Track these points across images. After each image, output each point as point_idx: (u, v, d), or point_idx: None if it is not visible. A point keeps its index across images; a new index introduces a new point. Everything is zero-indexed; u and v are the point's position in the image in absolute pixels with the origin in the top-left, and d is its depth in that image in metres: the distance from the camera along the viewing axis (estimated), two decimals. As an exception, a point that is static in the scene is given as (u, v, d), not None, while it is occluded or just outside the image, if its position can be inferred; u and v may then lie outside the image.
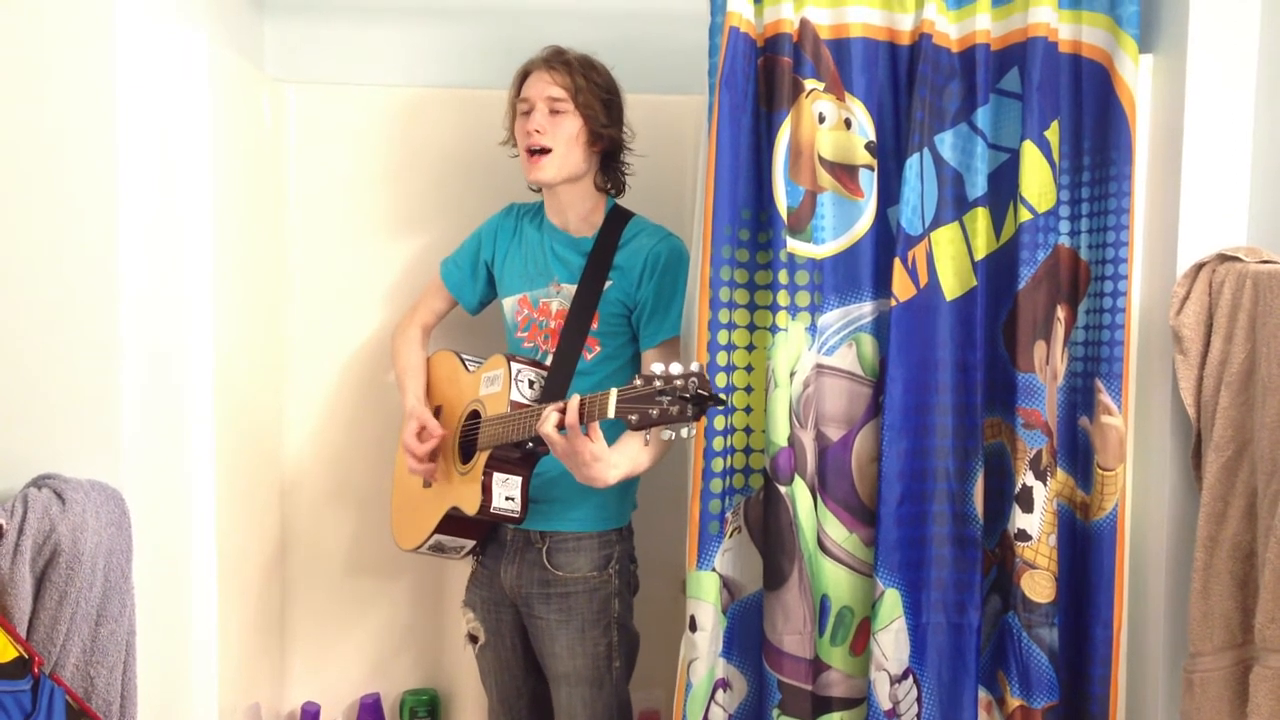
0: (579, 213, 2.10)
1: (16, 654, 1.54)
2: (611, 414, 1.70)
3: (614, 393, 1.70)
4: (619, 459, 1.84)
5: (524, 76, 2.07)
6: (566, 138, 2.02)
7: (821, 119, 1.88)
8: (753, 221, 1.89)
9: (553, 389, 1.98)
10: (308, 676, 2.52)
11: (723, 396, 1.78)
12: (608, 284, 2.04)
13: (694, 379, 1.65)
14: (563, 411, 1.76)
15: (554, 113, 2.02)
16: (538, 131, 2.01)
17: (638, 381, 1.68)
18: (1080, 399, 1.94)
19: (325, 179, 2.43)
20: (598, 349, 2.05)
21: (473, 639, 2.19)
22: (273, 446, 2.42)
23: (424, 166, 2.44)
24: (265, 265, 2.34)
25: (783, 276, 1.86)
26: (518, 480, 1.97)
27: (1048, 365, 1.90)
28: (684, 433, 1.67)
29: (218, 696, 2.04)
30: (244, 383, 2.21)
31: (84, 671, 1.62)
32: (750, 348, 1.91)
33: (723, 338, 1.87)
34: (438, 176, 2.44)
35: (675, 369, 1.66)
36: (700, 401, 1.65)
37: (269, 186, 2.36)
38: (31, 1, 1.67)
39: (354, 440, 2.49)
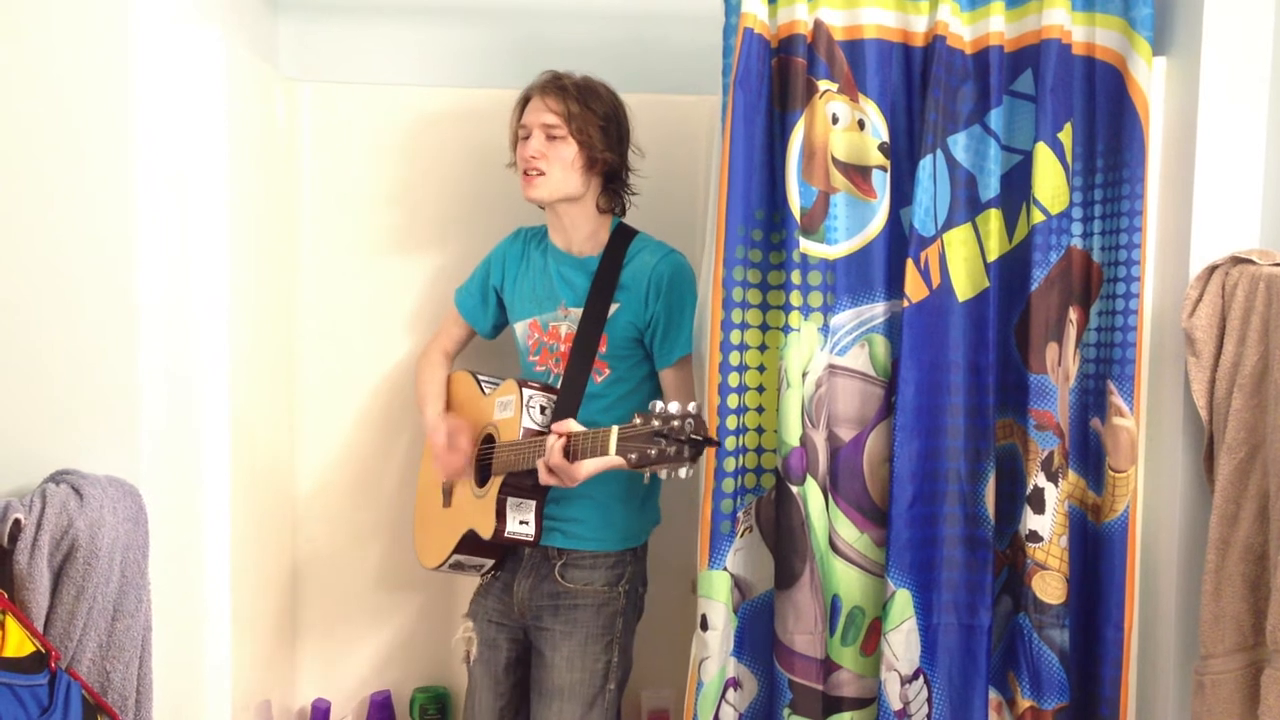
0: (583, 233, 2.11)
1: (34, 649, 1.54)
2: (613, 452, 1.72)
3: (615, 431, 1.73)
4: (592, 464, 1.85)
5: (525, 102, 2.08)
6: (562, 162, 2.03)
7: (835, 120, 1.88)
8: (766, 222, 1.89)
9: (562, 415, 1.98)
10: (319, 673, 2.53)
11: (716, 439, 1.80)
12: (615, 307, 2.05)
13: (690, 420, 1.68)
14: (563, 445, 1.81)
15: (551, 138, 2.03)
16: (534, 157, 2.03)
17: (637, 420, 1.72)
18: (1092, 400, 1.94)
19: (339, 177, 2.44)
20: (607, 371, 2.05)
21: (466, 653, 2.19)
22: (287, 444, 2.43)
23: (438, 166, 2.45)
24: (280, 263, 2.35)
25: (795, 277, 1.86)
26: (531, 504, 1.99)
27: (1060, 367, 1.90)
28: (682, 473, 1.70)
29: (231, 692, 2.05)
30: (260, 379, 2.22)
31: (100, 666, 1.63)
32: (763, 348, 1.91)
33: (735, 338, 1.88)
34: (452, 176, 2.45)
35: (674, 408, 1.70)
36: (696, 445, 1.68)
37: (283, 185, 2.37)
38: (47, 2, 1.68)
39: (368, 438, 2.50)
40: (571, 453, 1.82)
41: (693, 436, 1.68)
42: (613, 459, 1.75)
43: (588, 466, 1.80)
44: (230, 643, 2.05)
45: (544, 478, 1.84)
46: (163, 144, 1.79)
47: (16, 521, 1.55)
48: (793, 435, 1.86)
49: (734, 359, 1.88)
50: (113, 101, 1.70)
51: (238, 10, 2.19)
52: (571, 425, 1.84)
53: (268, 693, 2.32)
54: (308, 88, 2.42)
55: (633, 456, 1.70)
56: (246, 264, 2.11)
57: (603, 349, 2.04)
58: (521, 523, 1.97)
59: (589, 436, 1.79)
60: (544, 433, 1.94)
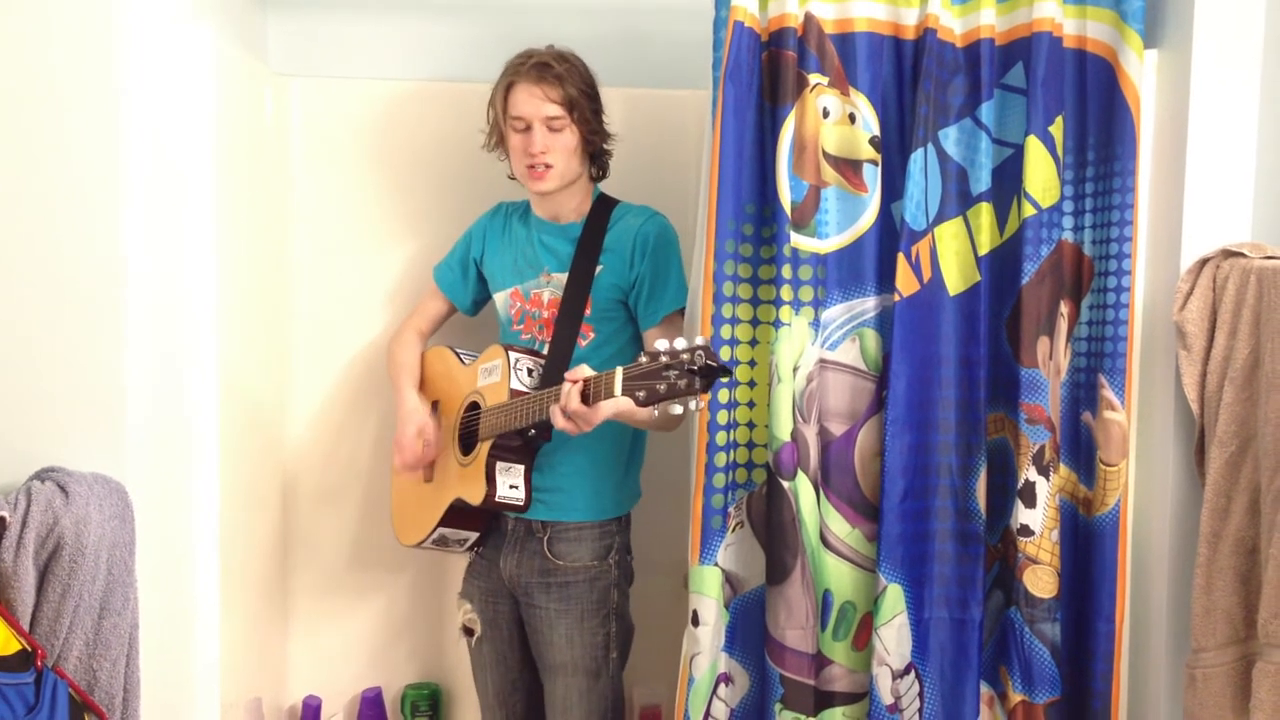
0: (570, 205, 2.11)
1: (20, 647, 1.54)
2: (618, 393, 1.70)
3: (620, 371, 1.72)
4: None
5: (508, 88, 2.04)
6: (566, 151, 2.03)
7: (826, 113, 1.88)
8: (756, 216, 1.89)
9: (551, 376, 1.98)
10: (309, 670, 2.52)
11: (729, 367, 1.78)
12: (599, 269, 2.05)
13: (700, 352, 1.66)
14: (580, 389, 1.77)
15: (552, 130, 2.01)
16: (542, 152, 2.01)
17: (643, 359, 1.70)
18: (1083, 394, 1.94)
19: (328, 172, 2.43)
20: (592, 335, 2.05)
21: (468, 632, 2.19)
22: (275, 440, 2.42)
23: (428, 160, 2.44)
24: (269, 259, 2.34)
25: (786, 271, 1.86)
26: (520, 468, 1.98)
27: (1051, 360, 1.89)
28: (692, 405, 1.68)
29: (220, 690, 2.04)
30: (247, 376, 2.20)
31: (87, 664, 1.63)
32: (753, 342, 1.91)
33: (726, 332, 1.87)
34: (442, 169, 2.44)
35: (680, 343, 1.68)
36: (708, 373, 1.66)
37: (272, 180, 2.36)
38: (36, -3, 1.67)
39: (356, 433, 2.49)
40: (586, 397, 1.80)
41: (707, 364, 1.65)
42: (621, 400, 1.72)
43: (606, 408, 1.76)
44: (219, 640, 2.04)
45: (560, 423, 1.80)
46: (151, 139, 1.78)
47: (1, 519, 1.54)
48: (784, 430, 1.85)
49: (725, 354, 1.87)
50: (101, 96, 1.69)
51: (226, 6, 2.18)
52: (585, 370, 1.81)
53: (258, 690, 2.31)
54: (296, 83, 2.41)
55: (641, 394, 1.68)
56: (235, 259, 2.10)
57: (587, 312, 2.04)
58: (511, 487, 1.97)
59: (596, 380, 1.77)
60: (530, 394, 1.93)
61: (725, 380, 1.83)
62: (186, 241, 1.94)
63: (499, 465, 1.97)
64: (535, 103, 2.01)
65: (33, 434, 1.71)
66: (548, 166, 2.02)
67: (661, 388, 1.67)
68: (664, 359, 1.67)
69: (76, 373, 1.71)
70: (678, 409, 1.68)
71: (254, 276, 2.25)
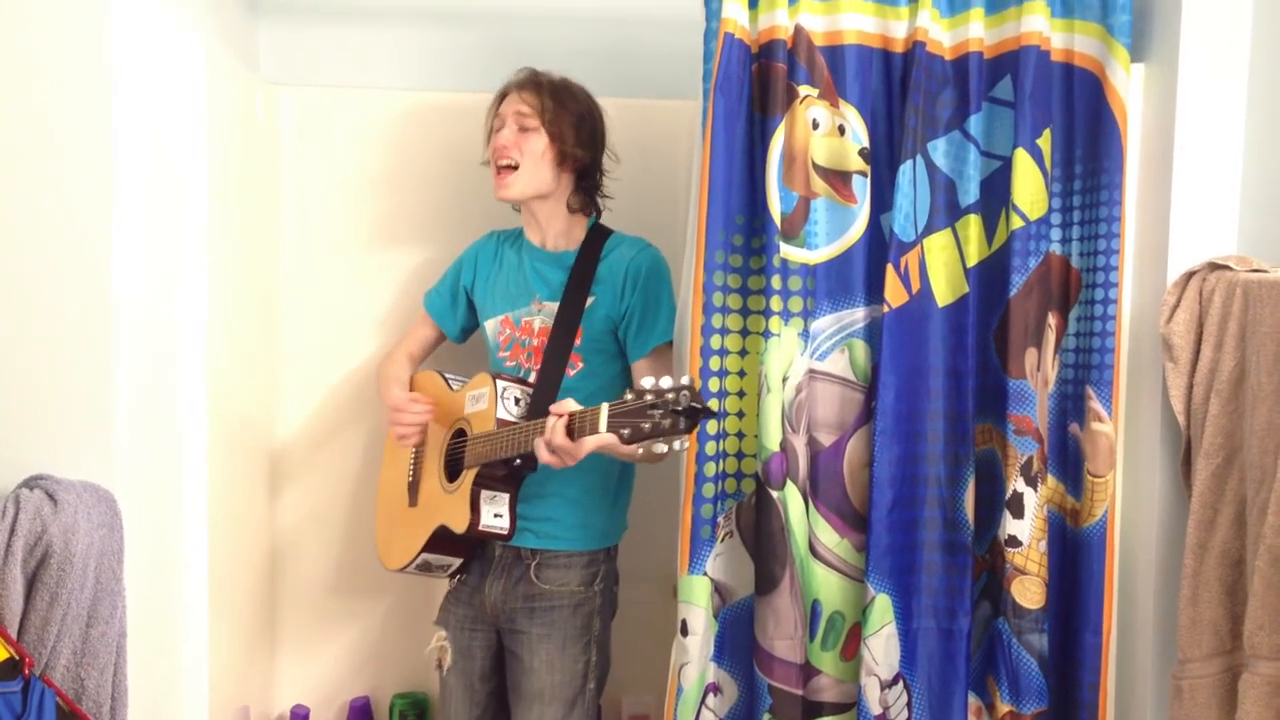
0: (557, 229, 2.11)
1: (7, 655, 1.53)
2: (603, 429, 1.70)
3: (605, 408, 1.71)
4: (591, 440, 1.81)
5: (501, 98, 2.10)
6: (533, 154, 2.04)
7: (815, 125, 1.89)
8: (746, 227, 1.89)
9: (539, 406, 1.97)
10: (297, 679, 2.51)
11: (714, 408, 1.78)
12: (591, 299, 2.05)
13: (685, 392, 1.65)
14: (565, 424, 1.77)
15: (523, 130, 2.04)
16: (505, 146, 2.04)
17: (628, 396, 1.69)
18: (1071, 406, 1.94)
19: (320, 182, 2.43)
20: (581, 365, 2.05)
21: (439, 664, 2.16)
22: (265, 449, 2.42)
23: (419, 170, 2.44)
24: (259, 268, 2.34)
25: (776, 282, 1.86)
26: (505, 497, 1.97)
27: (1039, 372, 1.90)
28: (676, 445, 1.67)
29: (208, 699, 2.04)
30: (237, 384, 2.20)
31: (74, 673, 1.62)
32: (743, 353, 1.91)
33: (715, 343, 1.88)
34: (433, 180, 2.44)
35: (666, 382, 1.67)
36: (693, 414, 1.65)
37: (263, 189, 2.36)
38: (27, 4, 1.67)
39: (346, 443, 2.49)
40: (571, 432, 1.80)
41: (691, 405, 1.64)
42: (605, 437, 1.72)
43: (589, 444, 1.77)
44: (207, 649, 2.03)
45: (544, 457, 1.80)
46: (142, 148, 1.78)
47: (-11, 527, 1.54)
48: (773, 440, 1.86)
49: (714, 364, 1.88)
50: (93, 105, 1.69)
51: (218, 15, 2.19)
52: (571, 404, 1.81)
53: (246, 699, 2.31)
54: (288, 91, 2.41)
55: (625, 432, 1.67)
56: (225, 267, 2.10)
57: (577, 342, 2.04)
58: (496, 516, 1.96)
59: (581, 416, 1.77)
60: (516, 423, 1.92)
61: (711, 418, 1.82)
62: (177, 250, 1.94)
63: (484, 494, 1.96)
64: (512, 104, 2.06)
65: (21, 441, 1.70)
66: (511, 166, 2.04)
67: (646, 426, 1.65)
68: (649, 397, 1.66)
69: (66, 380, 1.71)
70: (662, 448, 1.67)
71: (244, 285, 2.25)
